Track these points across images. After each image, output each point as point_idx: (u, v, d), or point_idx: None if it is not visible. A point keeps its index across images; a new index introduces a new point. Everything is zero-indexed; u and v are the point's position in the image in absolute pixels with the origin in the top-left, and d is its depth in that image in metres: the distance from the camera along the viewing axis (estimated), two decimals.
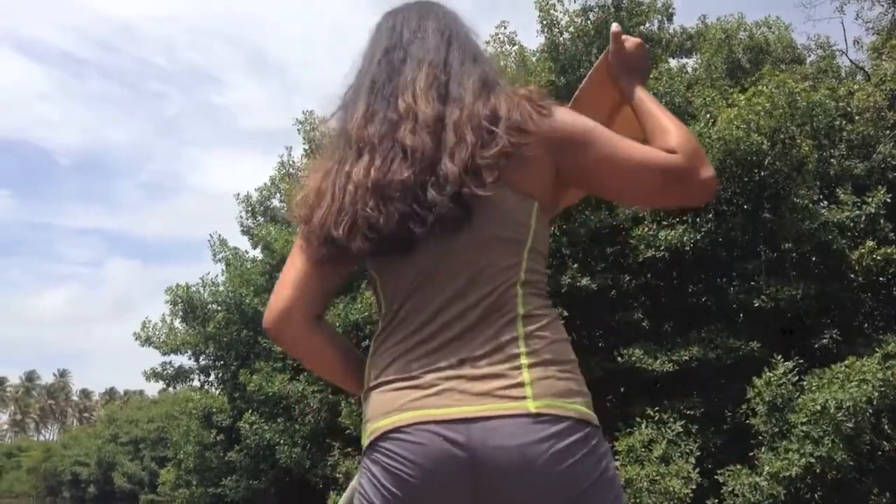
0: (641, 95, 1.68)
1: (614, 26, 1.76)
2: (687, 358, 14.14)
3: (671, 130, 1.54)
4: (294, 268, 1.58)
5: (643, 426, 13.89)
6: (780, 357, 13.22)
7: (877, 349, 12.97)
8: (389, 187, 1.45)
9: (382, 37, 1.64)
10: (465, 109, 1.48)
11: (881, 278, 15.63)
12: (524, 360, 1.40)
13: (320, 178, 1.55)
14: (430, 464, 1.36)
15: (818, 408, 12.41)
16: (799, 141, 13.90)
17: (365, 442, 1.46)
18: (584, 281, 14.67)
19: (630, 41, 1.73)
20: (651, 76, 15.74)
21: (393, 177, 1.45)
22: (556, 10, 17.99)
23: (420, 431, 1.38)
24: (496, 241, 1.46)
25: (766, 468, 12.63)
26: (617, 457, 13.45)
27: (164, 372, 23.35)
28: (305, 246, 1.56)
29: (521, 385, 1.37)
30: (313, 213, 1.53)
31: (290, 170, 22.01)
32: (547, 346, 1.43)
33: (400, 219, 1.44)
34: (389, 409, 1.43)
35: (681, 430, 13.76)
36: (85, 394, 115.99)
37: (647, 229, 13.76)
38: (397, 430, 1.40)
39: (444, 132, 1.47)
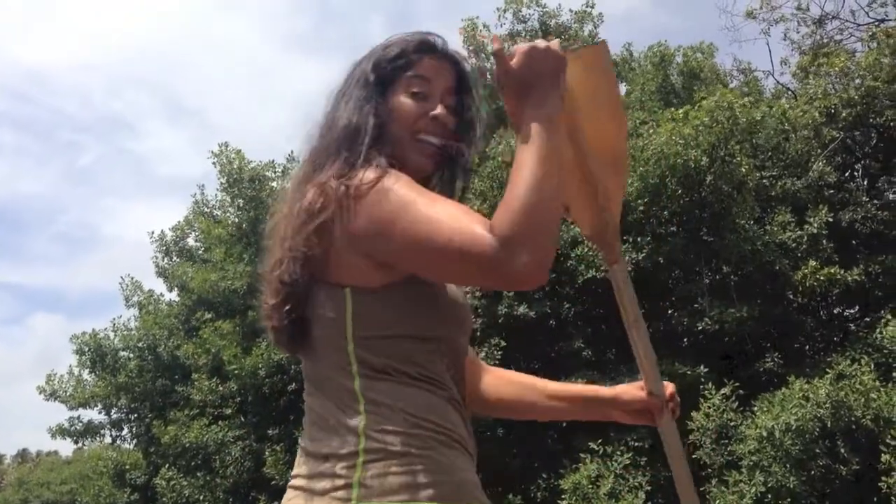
0: (524, 125, 1.37)
1: (494, 44, 1.42)
2: None
3: (513, 190, 1.30)
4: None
5: (588, 461, 13.19)
6: (711, 386, 12.76)
7: (828, 370, 12.56)
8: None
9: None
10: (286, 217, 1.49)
11: (820, 299, 15.40)
12: (360, 458, 1.39)
13: None
14: None
15: (764, 434, 11.89)
16: (739, 159, 13.62)
17: None
18: (522, 309, 14.10)
19: (514, 53, 1.41)
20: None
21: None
22: (481, 35, 17.62)
23: None
24: (320, 340, 1.46)
25: (718, 502, 12.00)
26: (563, 496, 12.75)
27: (72, 428, 21.71)
28: None
29: (349, 486, 1.38)
30: None
31: (205, 207, 21.14)
32: (389, 437, 1.39)
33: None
34: None
35: (628, 462, 13.10)
36: None
37: (586, 249, 13.22)
38: None
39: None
